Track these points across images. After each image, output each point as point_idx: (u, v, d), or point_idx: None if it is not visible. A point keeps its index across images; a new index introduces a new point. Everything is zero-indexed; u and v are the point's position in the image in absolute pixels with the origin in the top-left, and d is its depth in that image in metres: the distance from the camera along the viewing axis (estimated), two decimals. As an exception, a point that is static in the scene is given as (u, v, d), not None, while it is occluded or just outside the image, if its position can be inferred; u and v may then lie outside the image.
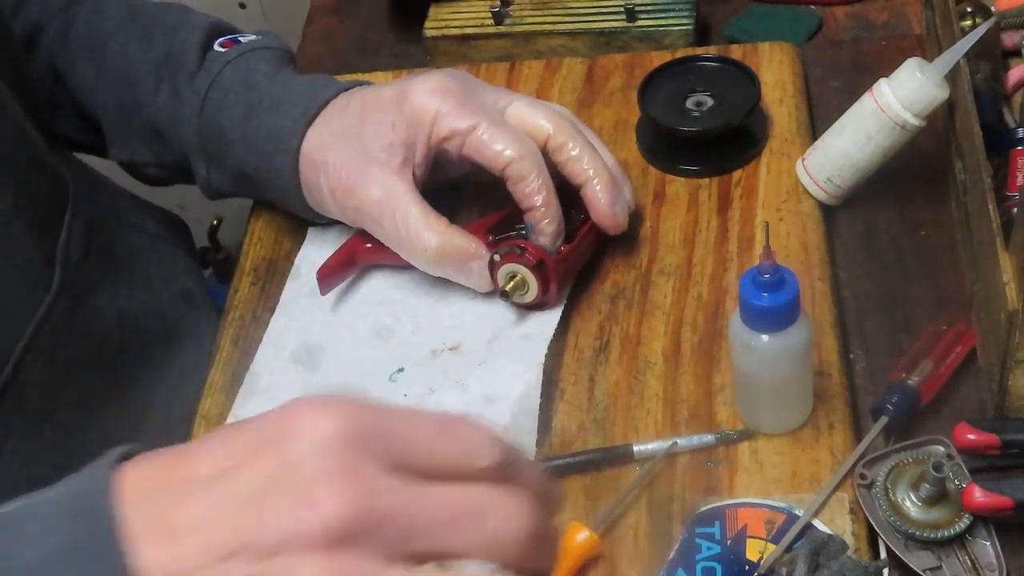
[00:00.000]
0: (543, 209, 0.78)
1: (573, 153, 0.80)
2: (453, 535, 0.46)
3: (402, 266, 0.82)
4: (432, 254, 0.79)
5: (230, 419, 0.79)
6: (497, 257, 0.78)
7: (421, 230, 0.79)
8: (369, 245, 0.83)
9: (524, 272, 0.78)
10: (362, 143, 0.80)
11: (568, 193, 0.80)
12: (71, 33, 0.90)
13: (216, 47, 0.87)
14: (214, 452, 0.47)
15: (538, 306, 0.80)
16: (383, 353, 0.81)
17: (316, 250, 0.86)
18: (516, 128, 0.80)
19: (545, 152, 0.80)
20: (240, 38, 0.88)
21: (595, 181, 0.80)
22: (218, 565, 0.44)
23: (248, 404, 0.80)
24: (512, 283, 0.78)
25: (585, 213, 0.81)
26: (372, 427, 0.47)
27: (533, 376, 0.76)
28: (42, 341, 0.77)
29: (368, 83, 0.86)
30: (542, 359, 0.77)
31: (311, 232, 0.89)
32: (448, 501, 0.47)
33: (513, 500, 0.48)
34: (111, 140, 0.92)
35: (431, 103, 0.79)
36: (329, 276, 0.83)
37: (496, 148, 0.78)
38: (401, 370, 0.79)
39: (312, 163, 0.81)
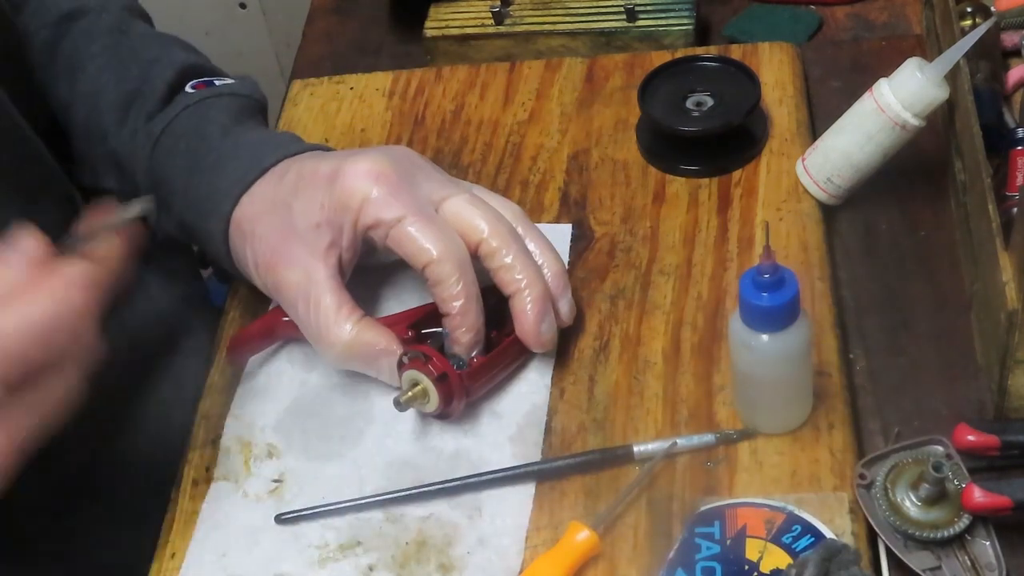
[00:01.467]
0: (459, 317, 0.74)
1: (506, 260, 0.74)
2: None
3: None
4: (338, 351, 0.75)
5: (229, 419, 0.79)
6: (405, 359, 0.73)
7: (331, 324, 0.74)
8: (286, 319, 0.79)
9: (426, 383, 0.73)
10: (291, 219, 0.76)
11: (500, 299, 0.76)
12: (57, 49, 0.88)
13: (188, 88, 0.84)
14: None
15: (441, 417, 0.75)
16: None
17: None
18: (446, 226, 0.75)
19: (477, 256, 0.75)
20: (215, 81, 0.85)
21: (525, 293, 0.74)
22: None
23: (247, 405, 0.80)
24: (412, 392, 0.73)
25: (512, 322, 0.76)
26: None
27: (540, 397, 0.76)
28: None
29: (327, 148, 0.83)
30: (549, 381, 0.77)
31: None
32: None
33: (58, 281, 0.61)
34: (78, 162, 0.90)
35: (361, 187, 0.74)
36: (240, 347, 0.81)
37: (418, 245, 0.73)
38: None
39: (240, 232, 0.78)
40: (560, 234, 0.85)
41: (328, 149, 0.83)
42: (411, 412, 0.75)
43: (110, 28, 0.89)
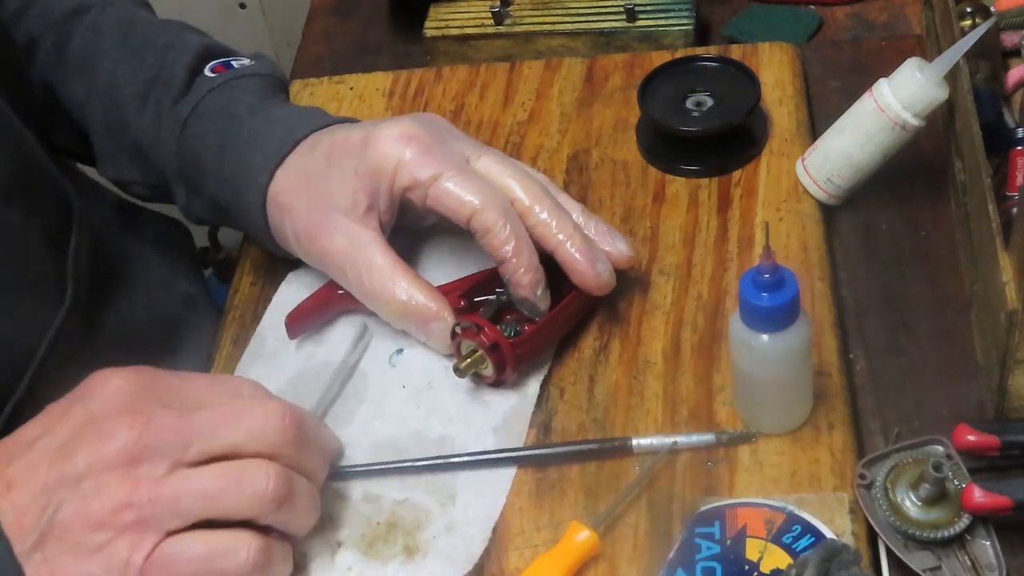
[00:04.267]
0: (515, 260, 0.74)
1: (542, 217, 0.75)
2: (220, 435, 0.64)
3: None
4: (395, 307, 0.76)
5: None
6: (458, 329, 0.75)
7: (386, 282, 0.76)
8: (341, 292, 0.80)
9: (481, 351, 0.74)
10: (327, 188, 0.77)
11: (550, 264, 0.76)
12: (67, 49, 0.89)
13: (206, 71, 0.85)
14: (37, 420, 0.65)
15: (496, 384, 0.76)
16: (384, 328, 0.81)
17: None
18: (483, 177, 0.76)
19: None
20: (233, 62, 0.86)
21: (568, 244, 0.75)
22: (44, 496, 0.61)
23: (252, 368, 0.80)
24: (471, 359, 0.74)
25: (567, 284, 0.77)
26: (153, 379, 0.66)
27: (531, 388, 0.77)
28: (56, 357, 0.77)
29: (353, 120, 0.84)
30: (542, 375, 0.77)
31: None
32: (210, 413, 0.64)
33: (264, 402, 0.66)
34: (99, 157, 0.91)
35: (394, 150, 0.75)
36: (299, 320, 0.81)
37: (459, 199, 0.74)
38: (400, 351, 0.80)
39: (277, 206, 0.79)
40: None
41: (355, 121, 0.84)
42: (398, 396, 0.77)
43: (117, 21, 0.90)
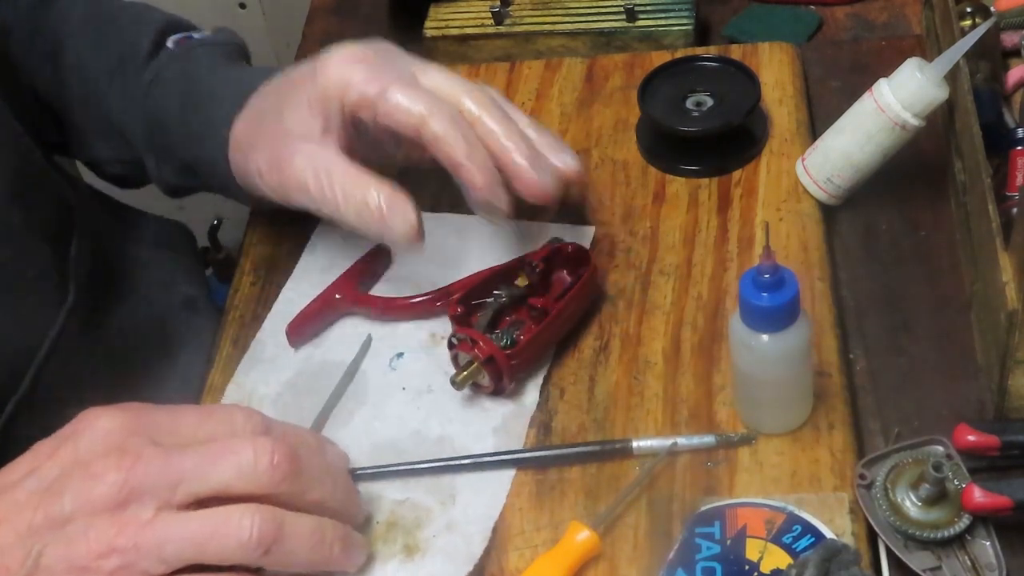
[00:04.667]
0: (467, 163, 0.73)
1: (490, 126, 0.75)
2: (208, 476, 0.62)
3: (376, 315, 0.81)
4: (357, 204, 0.74)
5: (231, 386, 0.80)
6: (455, 340, 0.76)
7: (347, 182, 0.75)
8: (340, 296, 0.82)
9: (477, 364, 0.75)
10: (281, 120, 0.78)
11: (544, 269, 0.79)
12: (37, 34, 0.90)
13: (169, 44, 0.87)
14: (25, 460, 0.64)
15: (495, 393, 0.76)
16: (385, 330, 0.81)
17: (334, 230, 0.85)
18: (430, 91, 0.75)
19: None
20: (193, 35, 0.88)
21: (514, 151, 0.75)
22: (30, 538, 0.60)
23: (252, 372, 0.80)
24: (467, 372, 0.74)
25: (561, 289, 0.78)
26: (142, 417, 0.64)
27: (531, 397, 0.77)
28: (57, 356, 0.77)
29: None
30: (541, 378, 0.77)
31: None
32: (199, 452, 0.63)
33: (255, 439, 0.63)
34: (73, 139, 0.92)
35: (340, 73, 0.76)
36: (300, 328, 0.81)
37: (407, 110, 0.74)
38: (401, 355, 0.80)
39: (239, 148, 0.80)
40: (583, 236, 0.84)
41: None
42: (398, 398, 0.77)
43: (85, 3, 0.91)
